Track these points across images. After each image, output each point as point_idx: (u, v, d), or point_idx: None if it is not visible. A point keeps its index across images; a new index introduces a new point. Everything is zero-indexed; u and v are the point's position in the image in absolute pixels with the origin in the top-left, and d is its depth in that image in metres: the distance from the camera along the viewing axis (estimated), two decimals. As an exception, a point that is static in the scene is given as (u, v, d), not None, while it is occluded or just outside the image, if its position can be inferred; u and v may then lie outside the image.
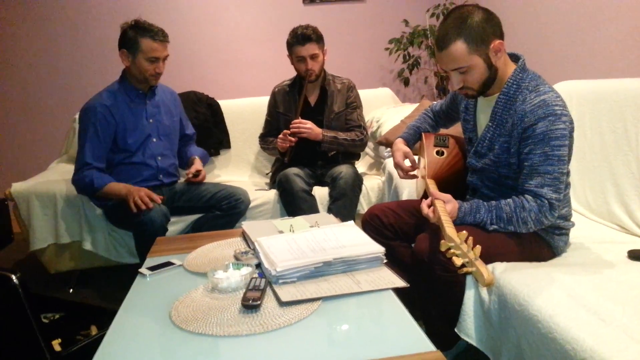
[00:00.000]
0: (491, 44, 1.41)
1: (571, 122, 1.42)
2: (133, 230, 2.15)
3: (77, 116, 2.96)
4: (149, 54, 2.14)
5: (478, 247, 1.18)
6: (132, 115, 2.25)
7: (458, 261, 1.19)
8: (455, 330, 1.49)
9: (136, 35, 2.14)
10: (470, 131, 1.66)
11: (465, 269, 1.19)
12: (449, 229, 1.28)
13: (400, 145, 1.87)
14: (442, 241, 1.24)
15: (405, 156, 1.83)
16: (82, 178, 2.15)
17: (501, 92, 1.48)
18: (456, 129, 1.98)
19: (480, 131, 1.60)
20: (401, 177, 1.85)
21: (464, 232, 1.22)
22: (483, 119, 1.60)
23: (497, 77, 1.47)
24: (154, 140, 2.31)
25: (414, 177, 1.85)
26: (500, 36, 1.43)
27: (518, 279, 1.33)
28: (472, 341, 1.45)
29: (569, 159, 1.47)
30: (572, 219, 1.59)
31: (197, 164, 2.46)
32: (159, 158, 2.34)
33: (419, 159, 1.96)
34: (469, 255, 1.18)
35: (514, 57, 1.52)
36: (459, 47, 1.40)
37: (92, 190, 2.17)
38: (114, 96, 2.22)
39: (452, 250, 1.22)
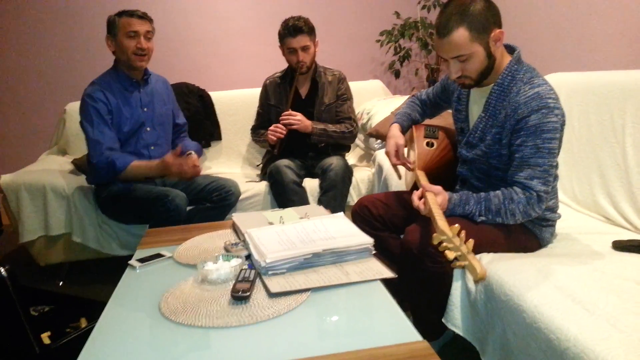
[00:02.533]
0: (492, 33, 1.41)
1: (563, 116, 1.43)
2: (154, 219, 2.10)
3: (67, 107, 2.98)
4: (126, 29, 2.16)
5: (471, 241, 1.19)
6: (127, 103, 2.24)
7: (450, 255, 1.19)
8: (443, 320, 1.50)
9: (115, 18, 2.19)
10: (462, 121, 1.67)
11: (458, 263, 1.19)
12: (441, 222, 1.28)
13: (395, 132, 1.84)
14: (434, 234, 1.24)
15: (397, 147, 1.81)
16: (104, 159, 2.10)
17: (495, 83, 1.49)
18: (446, 120, 1.98)
19: (472, 122, 1.61)
20: (392, 163, 1.84)
21: (457, 225, 1.22)
22: (476, 110, 1.60)
23: (496, 64, 1.47)
24: (148, 129, 2.30)
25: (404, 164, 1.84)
26: (500, 25, 1.43)
27: (504, 269, 1.34)
28: (459, 331, 1.47)
29: (559, 152, 1.49)
30: (558, 211, 1.61)
31: (195, 160, 2.44)
32: (152, 148, 2.33)
33: (408, 151, 1.96)
34: (461, 249, 1.18)
35: (510, 49, 1.53)
36: (461, 34, 1.39)
37: (113, 172, 2.12)
38: (108, 84, 2.22)
39: (444, 244, 1.21)
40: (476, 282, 1.39)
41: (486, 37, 1.41)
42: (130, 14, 2.18)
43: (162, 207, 2.07)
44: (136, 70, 2.27)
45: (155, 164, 2.12)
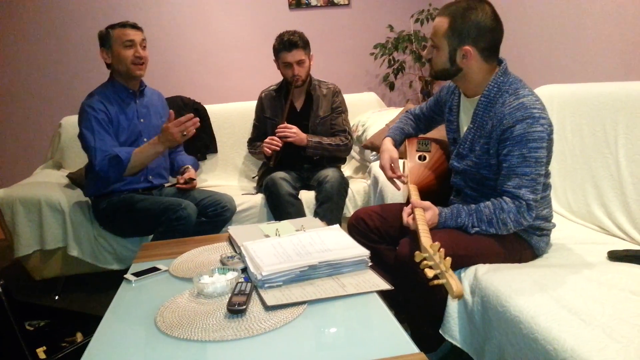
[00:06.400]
0: (464, 46, 1.45)
1: (550, 125, 1.44)
2: (163, 227, 2.11)
3: (62, 121, 2.98)
4: (122, 39, 2.20)
5: (448, 259, 1.17)
6: (124, 113, 2.27)
7: (430, 273, 1.18)
8: (440, 331, 1.50)
9: (107, 30, 2.23)
10: (453, 132, 1.69)
11: (436, 281, 1.18)
12: (425, 238, 1.30)
13: (388, 145, 1.86)
14: (417, 252, 1.25)
15: (391, 161, 1.83)
16: (106, 159, 2.10)
17: (482, 95, 1.52)
18: (440, 132, 1.99)
19: (462, 132, 1.63)
20: (387, 177, 1.86)
21: (437, 243, 1.22)
22: (465, 120, 1.63)
23: (473, 79, 1.51)
24: (145, 140, 2.31)
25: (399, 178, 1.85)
26: (481, 48, 1.46)
27: (500, 280, 1.35)
28: (456, 342, 1.46)
29: (548, 161, 1.50)
30: (553, 220, 1.61)
31: (191, 173, 2.47)
32: None
33: (403, 163, 1.97)
34: (440, 267, 1.18)
35: (497, 61, 1.55)
36: (442, 22, 1.48)
37: (119, 166, 2.12)
38: (105, 95, 2.25)
39: (425, 262, 1.21)
40: (453, 299, 1.38)
41: (456, 44, 1.47)
42: (123, 24, 2.22)
43: (174, 215, 2.09)
44: (134, 80, 2.29)
45: (155, 138, 2.11)
